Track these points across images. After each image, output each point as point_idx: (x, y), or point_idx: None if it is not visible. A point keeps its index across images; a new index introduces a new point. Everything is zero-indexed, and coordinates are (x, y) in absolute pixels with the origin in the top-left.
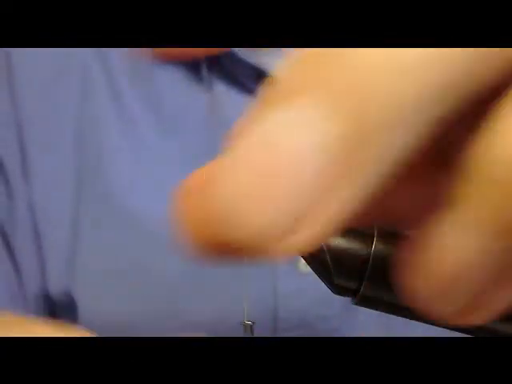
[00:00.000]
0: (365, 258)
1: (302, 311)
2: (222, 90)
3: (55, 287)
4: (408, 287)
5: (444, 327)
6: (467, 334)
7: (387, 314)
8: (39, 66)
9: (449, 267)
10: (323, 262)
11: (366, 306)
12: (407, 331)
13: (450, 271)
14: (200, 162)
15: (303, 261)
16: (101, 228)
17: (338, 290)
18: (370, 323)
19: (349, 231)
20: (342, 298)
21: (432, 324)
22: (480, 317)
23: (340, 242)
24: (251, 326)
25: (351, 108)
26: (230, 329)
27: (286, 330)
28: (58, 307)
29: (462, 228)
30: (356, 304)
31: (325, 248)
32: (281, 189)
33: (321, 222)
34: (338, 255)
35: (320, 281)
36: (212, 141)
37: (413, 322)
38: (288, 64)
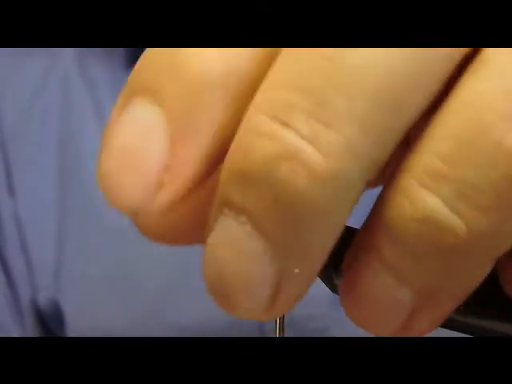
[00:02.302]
0: None
1: (290, 311)
2: None
3: (44, 298)
4: (347, 313)
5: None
6: (462, 332)
7: None
8: (19, 80)
9: (372, 296)
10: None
11: None
12: None
13: (374, 299)
14: None
15: None
16: (85, 238)
17: (337, 289)
18: None
19: (348, 230)
20: (329, 297)
21: None
22: (416, 333)
23: (338, 242)
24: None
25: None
26: (216, 330)
27: (273, 330)
28: (47, 318)
29: (376, 270)
30: None
31: None
32: (132, 167)
33: (178, 179)
34: (336, 254)
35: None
36: None
37: None
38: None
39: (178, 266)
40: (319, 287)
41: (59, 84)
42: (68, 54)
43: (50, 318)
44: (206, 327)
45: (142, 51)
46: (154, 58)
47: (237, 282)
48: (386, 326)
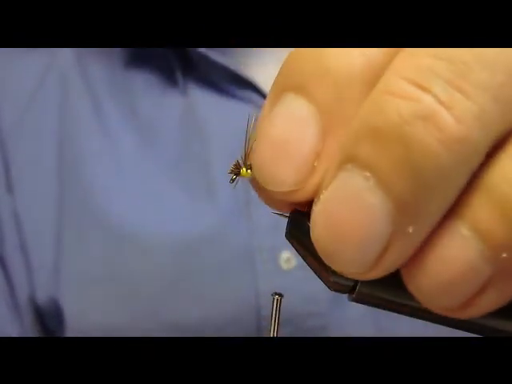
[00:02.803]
0: None
1: (287, 309)
2: (197, 93)
3: (42, 296)
4: (413, 286)
5: (443, 325)
6: (465, 330)
7: (375, 311)
8: (18, 80)
9: (449, 267)
10: (320, 259)
11: (362, 303)
12: (395, 328)
13: (450, 271)
14: (176, 166)
15: (285, 258)
16: (84, 236)
17: (335, 287)
18: (358, 320)
19: None
20: (328, 295)
21: (430, 321)
22: (478, 310)
23: None
24: (280, 299)
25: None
26: (215, 329)
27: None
28: (46, 315)
29: (465, 236)
30: (353, 301)
31: None
32: (287, 155)
33: (327, 164)
34: None
35: (304, 278)
36: (187, 144)
37: (400, 318)
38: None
39: (177, 266)
40: (318, 286)
41: (58, 83)
42: (67, 53)
43: (49, 316)
44: (204, 327)
45: (140, 50)
46: (301, 57)
47: (351, 236)
48: (453, 302)
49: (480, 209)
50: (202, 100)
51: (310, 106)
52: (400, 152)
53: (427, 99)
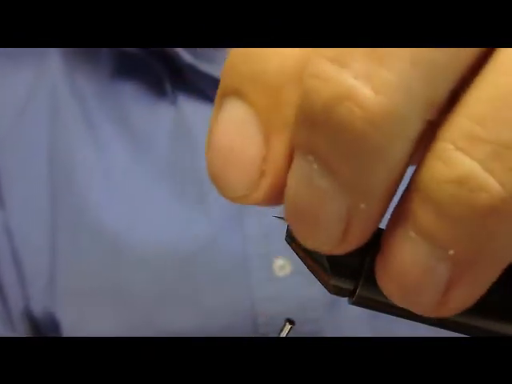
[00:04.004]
0: (361, 259)
1: (282, 315)
2: (186, 103)
3: (38, 308)
4: (385, 289)
5: (443, 328)
6: (460, 333)
7: (370, 316)
8: (7, 93)
9: (408, 270)
10: (320, 262)
11: (362, 306)
12: (391, 333)
13: (409, 273)
14: (168, 176)
15: (278, 265)
16: (78, 248)
17: (334, 290)
18: (354, 325)
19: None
20: (323, 301)
21: (429, 324)
22: (455, 306)
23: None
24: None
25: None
26: (211, 336)
27: (267, 335)
28: (42, 327)
29: (412, 239)
30: (353, 304)
31: None
32: (234, 162)
33: (275, 167)
34: (334, 256)
35: (298, 284)
36: (179, 154)
37: (397, 324)
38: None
39: (172, 276)
40: (313, 291)
41: (48, 96)
42: (56, 66)
43: (44, 328)
44: (201, 335)
45: (128, 61)
46: (237, 59)
47: (310, 216)
48: (424, 301)
49: (419, 211)
50: (192, 109)
51: (248, 109)
52: (331, 135)
53: (344, 76)
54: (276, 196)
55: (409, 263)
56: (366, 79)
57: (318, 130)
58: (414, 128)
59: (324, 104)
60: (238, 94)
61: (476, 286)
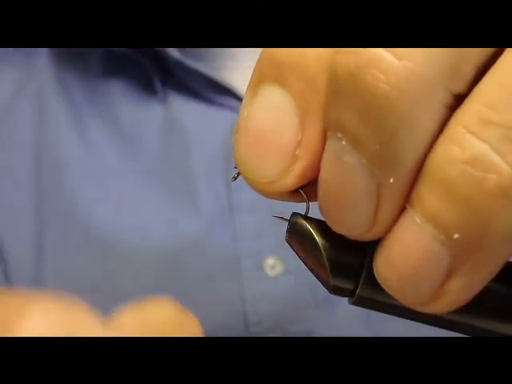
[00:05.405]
0: (361, 259)
1: (274, 314)
2: (176, 101)
3: None
4: (382, 278)
5: (442, 327)
6: (456, 332)
7: (364, 316)
8: None
9: (409, 255)
10: (320, 262)
11: (362, 306)
12: (385, 334)
13: (410, 259)
14: (158, 175)
15: (270, 264)
16: (66, 247)
17: (334, 290)
18: (347, 324)
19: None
20: (315, 300)
21: (429, 324)
22: (450, 300)
23: (337, 243)
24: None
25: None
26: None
27: (259, 334)
28: None
29: (418, 224)
30: (353, 304)
31: (322, 249)
32: (268, 146)
33: (309, 152)
34: (334, 256)
35: (290, 284)
36: (169, 152)
37: (392, 323)
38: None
39: (163, 274)
40: (304, 290)
41: (35, 96)
42: (43, 66)
43: None
44: None
45: (116, 59)
46: (274, 49)
47: (341, 196)
48: (421, 292)
49: (427, 194)
50: (182, 107)
51: (286, 94)
52: (357, 105)
53: (367, 48)
54: (304, 182)
55: (411, 248)
56: (389, 48)
57: (345, 102)
58: (438, 96)
59: (349, 73)
60: (276, 80)
61: (474, 279)
